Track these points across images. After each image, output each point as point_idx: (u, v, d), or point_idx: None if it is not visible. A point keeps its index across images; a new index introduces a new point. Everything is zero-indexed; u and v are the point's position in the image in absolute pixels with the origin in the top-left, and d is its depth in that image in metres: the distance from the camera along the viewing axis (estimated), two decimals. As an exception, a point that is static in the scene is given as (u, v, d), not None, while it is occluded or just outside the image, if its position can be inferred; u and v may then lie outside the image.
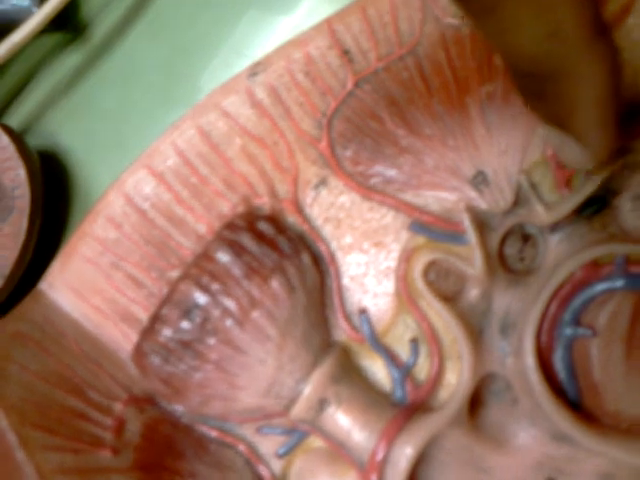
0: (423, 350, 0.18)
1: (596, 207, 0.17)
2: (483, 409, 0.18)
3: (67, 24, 0.29)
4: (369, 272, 0.18)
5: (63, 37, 0.30)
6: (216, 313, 0.16)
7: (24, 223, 0.27)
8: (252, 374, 0.17)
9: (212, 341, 0.17)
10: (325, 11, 0.24)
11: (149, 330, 0.17)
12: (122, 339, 0.19)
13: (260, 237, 0.17)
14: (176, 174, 0.19)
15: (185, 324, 0.17)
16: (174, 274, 0.19)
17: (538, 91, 0.12)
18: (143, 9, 0.29)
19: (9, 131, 0.26)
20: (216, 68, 0.28)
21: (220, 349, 0.17)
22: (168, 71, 0.28)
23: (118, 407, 0.18)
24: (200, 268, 0.17)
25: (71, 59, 0.29)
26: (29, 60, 0.30)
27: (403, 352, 0.18)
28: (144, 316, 0.19)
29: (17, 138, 0.27)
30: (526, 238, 0.18)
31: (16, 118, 0.30)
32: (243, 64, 0.27)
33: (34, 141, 0.29)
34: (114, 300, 0.19)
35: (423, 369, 0.18)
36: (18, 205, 0.28)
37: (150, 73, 0.29)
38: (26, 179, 0.27)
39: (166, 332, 0.17)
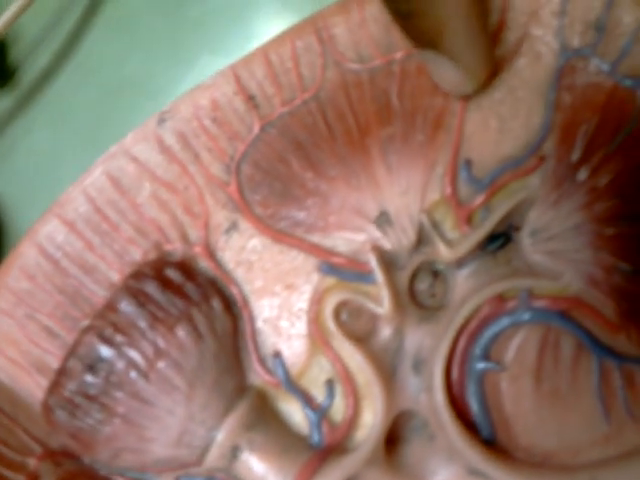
0: (338, 391, 0.18)
1: (500, 242, 0.17)
2: (403, 446, 0.18)
3: (-5, 69, 0.29)
4: (282, 315, 0.18)
5: (-9, 82, 0.29)
6: (121, 365, 0.16)
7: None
8: (161, 425, 0.16)
9: (118, 394, 0.16)
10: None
11: (54, 384, 0.17)
12: (38, 391, 0.18)
13: (166, 285, 0.17)
14: (87, 222, 0.19)
15: (89, 378, 0.16)
16: (87, 323, 0.18)
17: (406, 11, 0.13)
18: (71, 52, 0.29)
19: None
20: (146, 109, 0.28)
21: (127, 402, 0.16)
22: (97, 113, 0.28)
23: (32, 463, 0.18)
24: (104, 319, 0.17)
25: (1, 104, 0.29)
26: (-42, 107, 0.29)
27: (319, 394, 0.18)
28: (59, 367, 0.18)
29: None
30: (436, 274, 0.18)
31: (-54, 164, 0.29)
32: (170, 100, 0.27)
33: (-35, 186, 0.28)
34: (29, 351, 0.19)
35: (339, 410, 0.18)
36: (-54, 252, 0.27)
37: (80, 115, 0.28)
38: (-46, 226, 0.27)
39: (71, 386, 0.16)
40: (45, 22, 0.29)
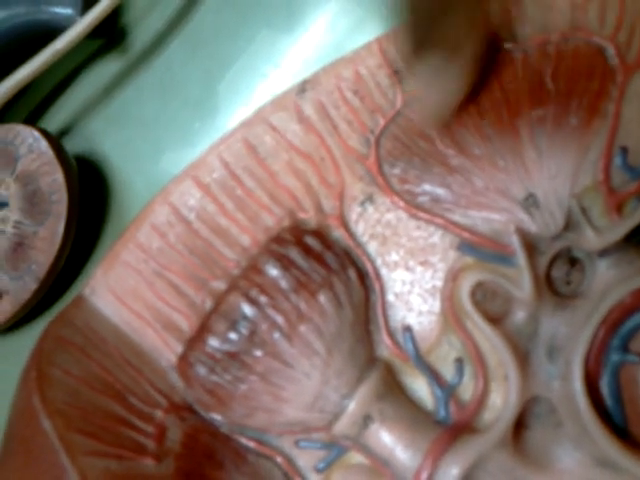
0: (468, 371, 0.18)
1: (646, 233, 0.17)
2: (526, 431, 0.18)
3: (108, 32, 0.30)
4: (414, 290, 0.18)
5: (104, 44, 0.30)
6: (264, 326, 0.17)
7: (60, 228, 0.28)
8: (298, 388, 0.17)
9: (259, 353, 0.17)
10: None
11: (195, 340, 0.17)
12: (163, 346, 0.19)
13: (308, 252, 0.17)
14: (222, 186, 0.19)
15: (232, 335, 0.17)
16: (216, 285, 0.19)
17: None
18: (184, 20, 0.29)
19: (48, 136, 0.26)
20: (255, 80, 0.28)
21: (266, 362, 0.17)
22: (206, 82, 0.29)
23: (159, 415, 0.18)
24: (248, 280, 0.17)
25: (111, 67, 0.30)
26: (69, 65, 0.30)
27: (447, 372, 0.18)
28: (185, 324, 0.19)
29: (56, 143, 0.27)
30: (573, 261, 0.18)
31: (54, 122, 0.30)
32: (280, 77, 0.27)
33: (71, 146, 0.29)
34: (155, 307, 0.19)
35: (467, 390, 0.18)
36: (55, 210, 0.28)
37: (188, 84, 0.29)
38: (64, 184, 0.28)
39: (213, 342, 0.17)
40: (160, -12, 0.29)
